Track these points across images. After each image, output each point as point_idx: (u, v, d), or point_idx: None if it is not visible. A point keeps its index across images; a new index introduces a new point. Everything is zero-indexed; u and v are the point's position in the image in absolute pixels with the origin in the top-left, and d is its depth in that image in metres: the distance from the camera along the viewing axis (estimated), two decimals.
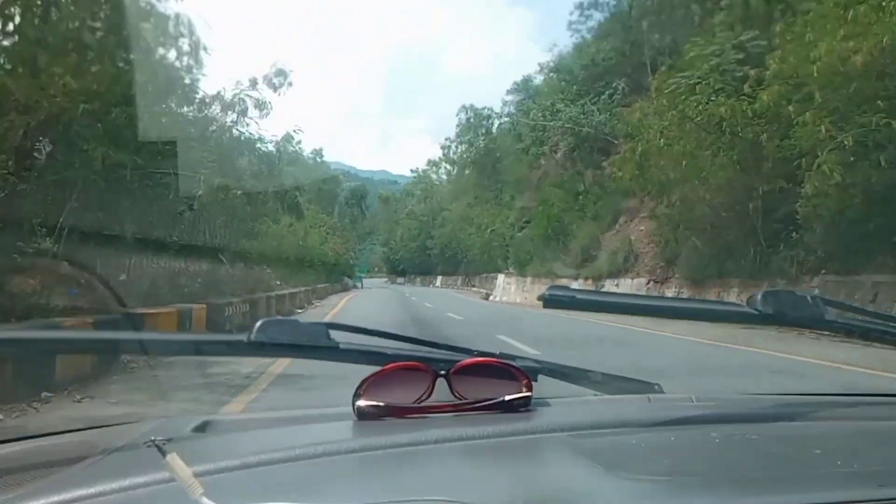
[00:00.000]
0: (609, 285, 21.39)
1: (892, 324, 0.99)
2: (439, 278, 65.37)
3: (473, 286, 48.05)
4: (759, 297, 0.91)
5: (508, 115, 39.84)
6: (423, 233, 69.83)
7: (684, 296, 16.44)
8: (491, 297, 30.42)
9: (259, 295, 13.49)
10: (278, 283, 19.63)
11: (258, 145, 12.98)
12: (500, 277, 32.12)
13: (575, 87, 27.97)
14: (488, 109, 49.64)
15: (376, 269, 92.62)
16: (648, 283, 19.60)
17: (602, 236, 24.46)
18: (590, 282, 22.69)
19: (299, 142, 69.60)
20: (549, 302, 0.94)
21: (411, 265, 74.00)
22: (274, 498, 0.57)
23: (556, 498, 0.61)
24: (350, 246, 56.32)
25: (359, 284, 54.62)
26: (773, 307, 0.90)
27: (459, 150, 56.11)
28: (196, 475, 0.56)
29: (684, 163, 15.44)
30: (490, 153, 46.10)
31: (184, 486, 0.55)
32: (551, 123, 27.13)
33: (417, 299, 28.80)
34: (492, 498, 0.59)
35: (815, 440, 0.82)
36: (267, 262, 20.61)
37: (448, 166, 65.13)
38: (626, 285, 20.62)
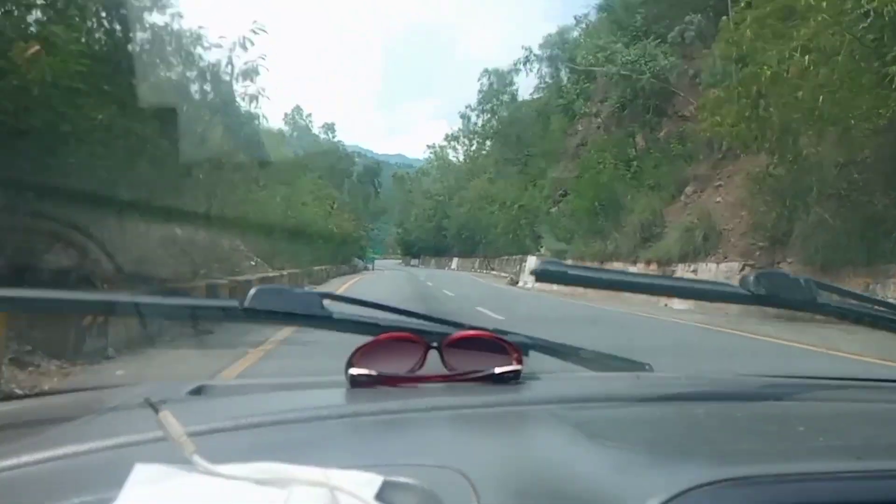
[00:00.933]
0: (683, 273, 16.60)
1: (884, 308, 0.99)
2: (455, 260, 61.56)
3: (493, 269, 44.02)
4: (751, 277, 0.91)
5: (549, 58, 34.32)
6: (438, 213, 65.58)
7: None
8: (520, 284, 25.69)
9: (197, 283, 8.92)
10: (253, 262, 15.10)
11: (198, 60, 8.39)
12: (531, 260, 27.36)
13: (635, 23, 22.83)
14: (529, 50, 41.00)
15: (390, 250, 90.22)
16: (743, 269, 14.78)
17: (666, 209, 19.64)
18: (654, 266, 17.91)
19: (309, 115, 64.93)
20: (541, 276, 0.93)
21: (426, 246, 70.63)
22: (264, 458, 0.55)
23: (539, 463, 0.63)
24: (361, 224, 52.07)
25: (370, 266, 50.61)
26: (765, 288, 0.90)
27: (481, 120, 50.99)
28: (188, 434, 0.56)
29: (821, 98, 10.59)
30: (515, 122, 41.17)
31: (176, 444, 0.55)
32: (604, 69, 22.09)
33: (434, 284, 24.54)
34: (479, 463, 0.60)
35: (799, 419, 0.82)
36: (245, 234, 16.12)
37: (467, 141, 60.09)
38: (708, 272, 15.82)
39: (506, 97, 44.22)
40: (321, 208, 31.37)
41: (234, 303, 0.92)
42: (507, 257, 44.71)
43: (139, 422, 0.66)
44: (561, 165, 28.96)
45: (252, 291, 0.91)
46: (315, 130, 63.44)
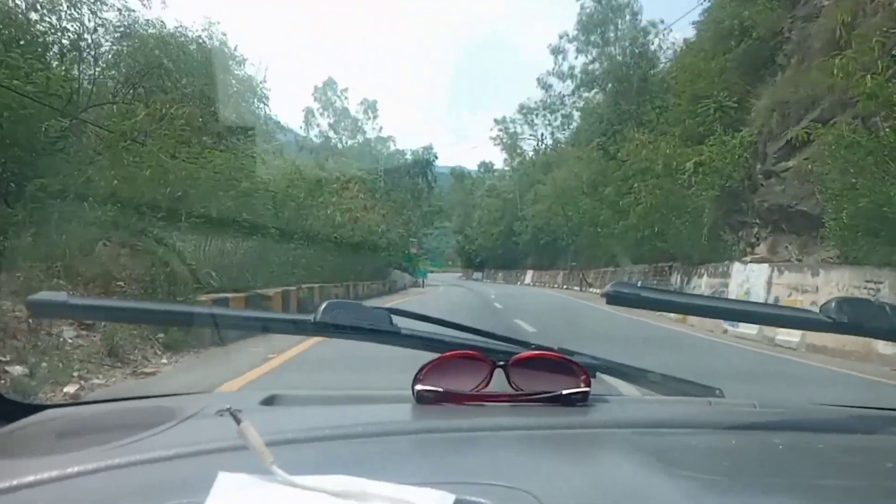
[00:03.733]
0: None
1: None
2: (529, 273, 47.82)
3: (591, 285, 30.26)
4: (833, 304, 0.87)
5: None
6: (507, 214, 52.49)
7: None
8: (724, 326, 10.71)
9: None
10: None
11: None
12: (744, 271, 12.53)
13: None
14: None
15: (449, 262, 77.43)
16: None
17: None
18: None
19: (345, 90, 51.55)
20: (612, 299, 0.89)
21: (492, 256, 56.43)
22: (337, 471, 0.57)
23: (614, 491, 0.61)
24: (406, 224, 38.44)
25: (420, 281, 37.70)
26: (847, 316, 0.85)
27: (581, 60, 35.41)
28: (266, 445, 0.59)
29: None
30: (638, 56, 26.49)
31: (256, 454, 0.58)
32: None
33: (526, 321, 11.27)
34: (550, 486, 0.59)
35: (887, 453, 0.77)
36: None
37: (548, 115, 44.98)
38: None
39: (622, 21, 29.47)
40: (314, 188, 17.44)
41: (307, 316, 0.95)
42: (612, 269, 30.56)
43: (219, 431, 0.70)
44: (782, 86, 14.03)
45: (323, 305, 0.93)
46: (353, 110, 50.36)
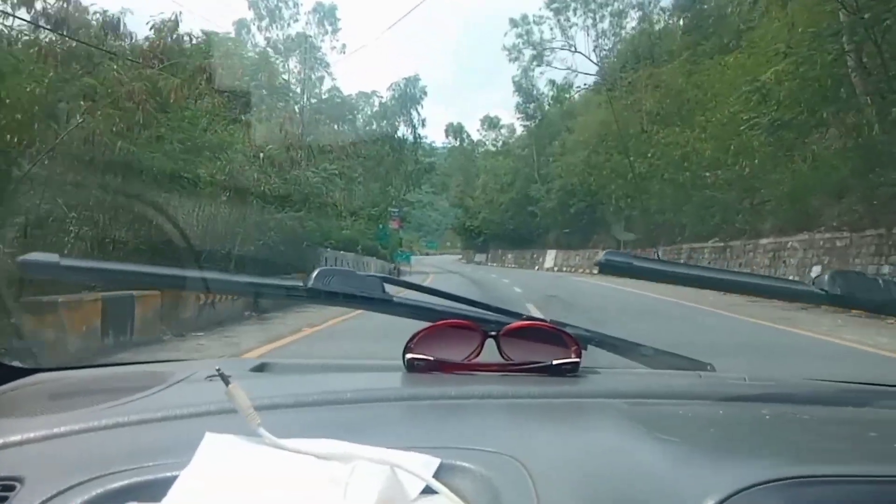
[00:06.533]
0: None
1: None
2: (551, 254, 35.96)
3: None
4: (826, 277, 0.88)
5: None
6: (520, 177, 41.67)
7: None
8: None
9: None
10: None
11: None
12: None
13: None
14: None
15: (448, 243, 64.54)
16: None
17: None
18: None
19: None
20: (605, 268, 0.91)
21: (499, 234, 44.89)
22: (324, 436, 0.59)
23: (600, 457, 0.62)
24: (383, 188, 24.42)
25: (397, 267, 24.33)
26: (841, 288, 0.87)
27: None
28: (254, 408, 0.60)
29: None
30: None
31: (243, 416, 0.59)
32: None
33: None
34: (535, 452, 0.60)
35: (873, 424, 0.79)
36: None
37: (591, 15, 29.90)
38: None
39: None
40: None
41: (298, 283, 0.95)
42: (717, 243, 17.53)
43: (206, 394, 0.72)
44: None
45: (315, 272, 0.93)
46: (302, 21, 35.17)
